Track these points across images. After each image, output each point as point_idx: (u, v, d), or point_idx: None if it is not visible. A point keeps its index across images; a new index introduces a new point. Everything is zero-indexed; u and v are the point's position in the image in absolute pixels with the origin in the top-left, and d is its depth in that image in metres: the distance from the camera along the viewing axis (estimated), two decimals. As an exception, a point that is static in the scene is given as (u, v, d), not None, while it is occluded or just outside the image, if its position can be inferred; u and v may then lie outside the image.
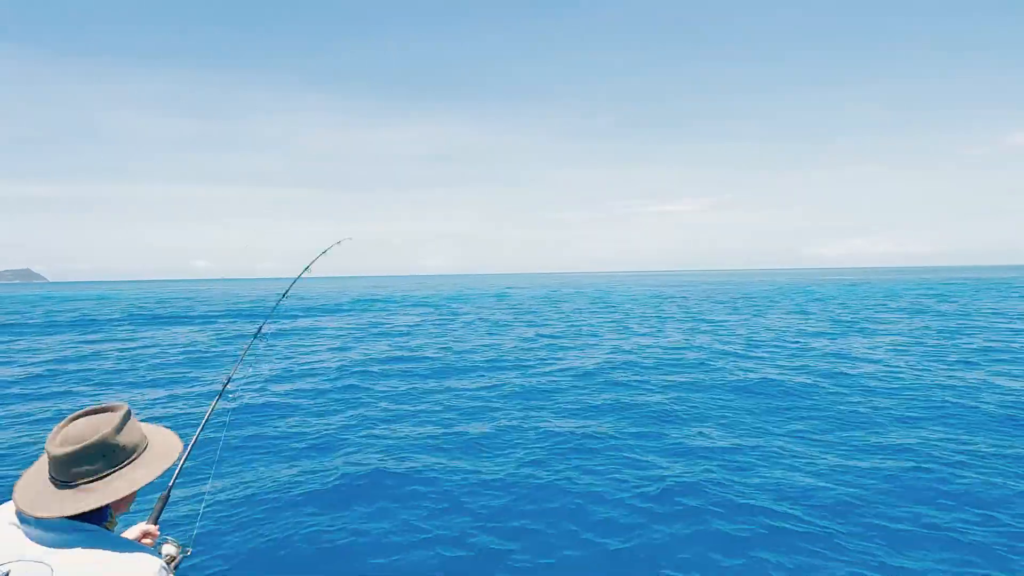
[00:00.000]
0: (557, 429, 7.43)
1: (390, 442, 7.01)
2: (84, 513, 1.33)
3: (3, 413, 8.88)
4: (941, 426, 7.23)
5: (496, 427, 7.59)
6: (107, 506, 1.40)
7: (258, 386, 10.54)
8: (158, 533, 1.80)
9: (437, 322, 24.29)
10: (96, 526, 1.37)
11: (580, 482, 5.64)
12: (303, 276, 3.71)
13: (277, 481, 5.74)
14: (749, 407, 8.48)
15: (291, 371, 12.26)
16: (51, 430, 1.40)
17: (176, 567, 1.77)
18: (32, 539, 1.30)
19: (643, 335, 17.86)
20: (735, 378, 10.45)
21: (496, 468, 6.04)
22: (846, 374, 10.59)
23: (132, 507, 1.50)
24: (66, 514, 1.31)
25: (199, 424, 2.38)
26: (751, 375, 10.65)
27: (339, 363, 13.19)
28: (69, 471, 1.34)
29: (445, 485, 5.62)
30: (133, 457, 1.43)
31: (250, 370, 11.22)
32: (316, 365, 13.04)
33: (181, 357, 14.86)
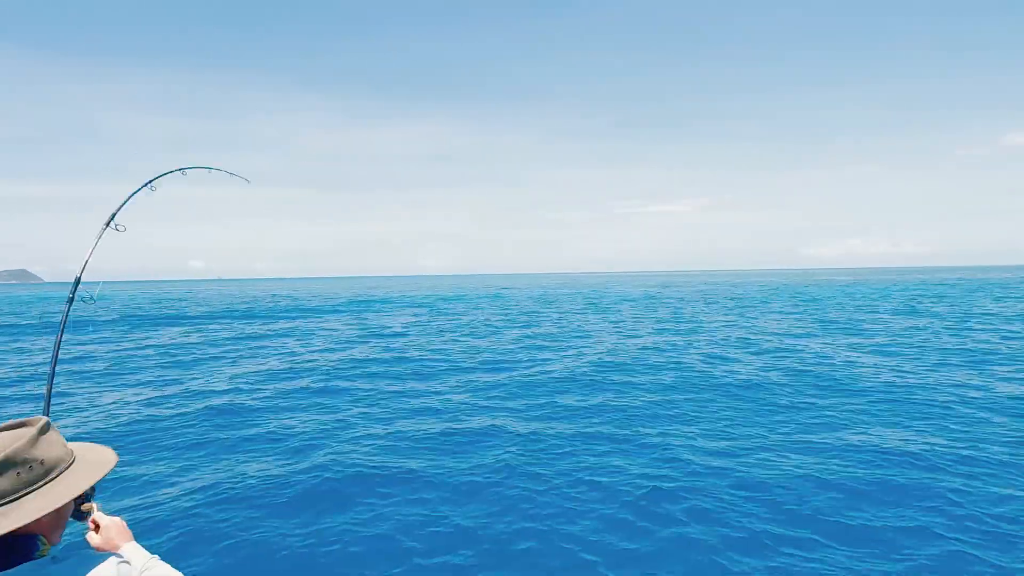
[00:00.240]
0: (541, 431, 7.45)
1: (374, 443, 7.02)
2: (9, 543, 1.16)
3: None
4: (926, 427, 7.26)
5: (480, 428, 7.61)
6: (34, 535, 1.21)
7: (246, 386, 10.57)
8: (93, 506, 1.54)
9: (429, 323, 24.32)
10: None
11: (562, 485, 5.66)
12: (116, 225, 2.78)
13: (260, 481, 5.75)
14: (735, 407, 8.51)
15: (278, 372, 12.28)
16: None
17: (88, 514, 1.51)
18: None
19: (634, 336, 17.90)
20: (723, 379, 10.47)
21: (479, 469, 6.06)
22: (832, 375, 10.63)
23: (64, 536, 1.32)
24: None
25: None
26: (739, 376, 10.69)
27: (328, 364, 13.20)
28: None
29: (429, 487, 5.63)
30: (52, 476, 1.23)
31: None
32: (304, 365, 13.07)
33: (163, 359, 14.87)
